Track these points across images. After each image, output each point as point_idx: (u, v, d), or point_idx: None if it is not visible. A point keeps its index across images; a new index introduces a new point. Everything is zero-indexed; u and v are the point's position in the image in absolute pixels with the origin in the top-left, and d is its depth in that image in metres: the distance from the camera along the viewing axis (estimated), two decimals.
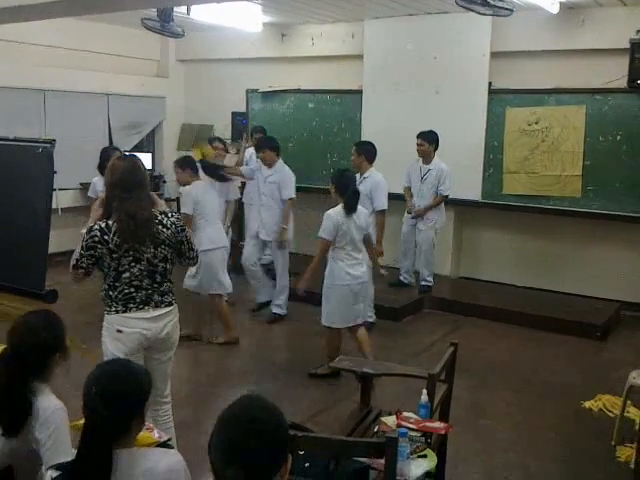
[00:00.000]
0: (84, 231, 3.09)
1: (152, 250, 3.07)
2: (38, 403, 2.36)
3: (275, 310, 6.27)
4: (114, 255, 3.02)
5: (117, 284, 3.06)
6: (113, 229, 3.00)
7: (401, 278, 6.97)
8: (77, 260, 3.03)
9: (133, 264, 3.04)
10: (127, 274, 3.05)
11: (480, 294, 6.97)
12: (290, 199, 6.12)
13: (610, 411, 4.41)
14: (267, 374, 5.06)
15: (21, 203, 4.11)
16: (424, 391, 2.91)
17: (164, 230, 3.10)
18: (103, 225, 3.01)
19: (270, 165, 6.09)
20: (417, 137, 6.61)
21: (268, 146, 6.11)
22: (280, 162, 6.15)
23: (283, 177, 6.11)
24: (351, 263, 4.70)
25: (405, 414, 2.86)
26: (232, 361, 5.40)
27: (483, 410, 4.52)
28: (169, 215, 3.16)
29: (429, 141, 6.54)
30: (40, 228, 4.06)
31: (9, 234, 4.11)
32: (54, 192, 6.51)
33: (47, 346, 2.46)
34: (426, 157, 6.61)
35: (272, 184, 6.10)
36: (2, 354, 2.45)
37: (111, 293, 3.08)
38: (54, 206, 6.90)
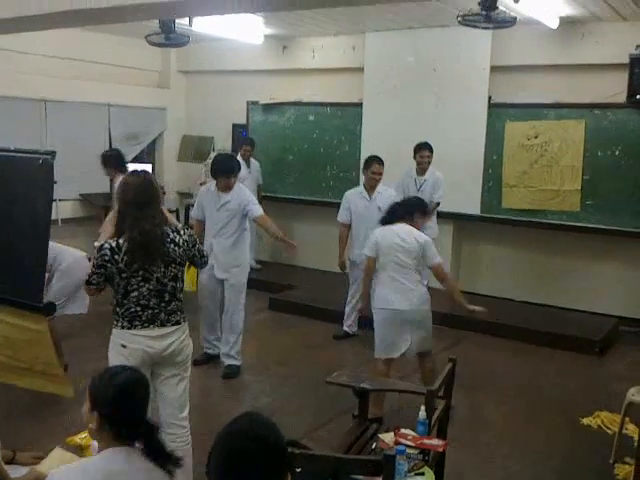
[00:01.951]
0: (97, 244, 3.09)
1: (162, 269, 3.07)
2: None
3: (230, 362, 5.29)
4: (123, 275, 3.02)
5: (125, 301, 3.06)
6: (124, 248, 2.99)
7: None
8: (89, 276, 3.05)
9: (142, 283, 3.04)
10: (135, 293, 3.05)
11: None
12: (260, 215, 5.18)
13: (609, 428, 4.39)
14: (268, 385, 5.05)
15: (21, 214, 4.09)
16: (422, 407, 2.90)
17: (176, 249, 3.10)
18: (114, 244, 3.00)
19: (225, 190, 5.11)
20: (421, 149, 6.44)
21: (222, 171, 5.12)
22: (238, 185, 5.19)
23: (245, 198, 5.15)
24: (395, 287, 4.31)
25: (403, 431, 2.85)
26: None
27: (481, 426, 4.50)
28: (181, 232, 3.16)
29: (432, 152, 6.45)
30: (40, 240, 4.04)
31: (8, 245, 4.09)
32: (54, 203, 6.56)
33: None
34: (426, 169, 6.59)
35: (230, 211, 5.11)
36: None
37: (118, 309, 3.09)
38: (54, 217, 6.93)
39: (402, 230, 4.32)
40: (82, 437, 2.79)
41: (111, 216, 3.22)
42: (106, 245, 3.01)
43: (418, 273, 4.35)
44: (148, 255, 3.01)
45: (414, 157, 6.48)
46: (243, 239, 5.24)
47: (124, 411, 2.04)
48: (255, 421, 1.66)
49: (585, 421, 4.53)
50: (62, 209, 7.75)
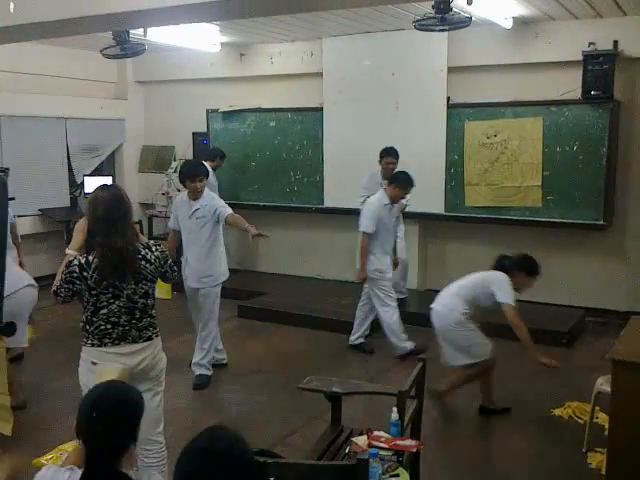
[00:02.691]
0: (69, 252, 3.03)
1: (132, 286, 3.00)
2: None
3: (200, 371, 5.23)
4: (92, 292, 2.96)
5: (94, 319, 3.00)
6: (93, 265, 2.92)
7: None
8: (57, 287, 2.97)
9: (112, 300, 2.98)
10: (105, 310, 2.98)
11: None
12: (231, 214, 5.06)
13: (580, 418, 4.45)
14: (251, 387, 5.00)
15: None
16: (394, 409, 2.89)
17: (147, 266, 3.03)
18: (83, 261, 2.93)
19: (196, 197, 5.04)
20: (386, 155, 6.35)
21: (187, 175, 5.04)
22: (206, 191, 5.12)
23: (215, 203, 5.07)
24: None
25: (376, 433, 2.84)
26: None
27: (453, 422, 4.53)
28: (153, 249, 3.08)
29: (397, 158, 6.39)
30: None
31: None
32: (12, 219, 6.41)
33: None
34: (390, 175, 6.56)
35: (201, 218, 5.02)
36: None
37: (88, 327, 3.02)
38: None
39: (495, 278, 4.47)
40: (49, 458, 2.72)
41: (81, 223, 3.10)
42: (75, 261, 2.94)
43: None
44: (119, 272, 2.94)
45: (380, 161, 6.43)
46: (216, 248, 5.15)
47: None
48: (216, 437, 1.62)
49: (556, 412, 4.59)
50: (21, 225, 7.55)
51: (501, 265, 4.55)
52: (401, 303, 6.24)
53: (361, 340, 5.99)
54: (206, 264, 5.11)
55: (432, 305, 4.67)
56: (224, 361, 5.56)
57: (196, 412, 4.74)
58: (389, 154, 6.36)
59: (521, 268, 4.51)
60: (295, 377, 4.64)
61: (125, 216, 3.01)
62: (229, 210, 5.05)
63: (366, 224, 5.66)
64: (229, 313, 6.80)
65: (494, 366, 4.58)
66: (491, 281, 4.44)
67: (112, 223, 2.94)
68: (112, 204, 2.98)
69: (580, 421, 4.39)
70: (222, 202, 5.16)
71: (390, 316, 5.72)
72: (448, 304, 4.55)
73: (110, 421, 1.93)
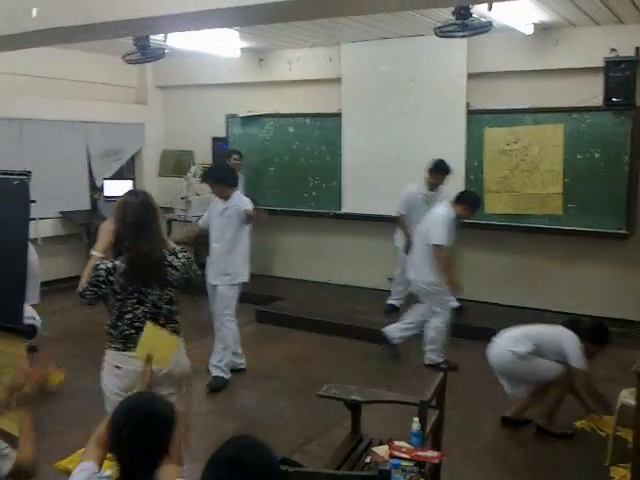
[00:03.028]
0: (95, 253, 3.03)
1: (158, 292, 3.03)
2: None
3: (217, 373, 5.27)
4: (118, 296, 2.97)
5: (119, 323, 3.01)
6: (120, 270, 2.94)
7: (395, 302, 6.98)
8: (83, 289, 2.97)
9: (137, 306, 2.99)
10: (130, 315, 3.00)
11: (466, 314, 6.95)
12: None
13: (602, 430, 4.39)
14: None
15: None
16: (415, 419, 2.87)
17: (173, 272, 3.05)
18: (110, 265, 2.95)
19: (226, 198, 5.25)
20: (437, 171, 6.38)
21: (215, 180, 5.29)
22: (237, 194, 5.37)
23: (243, 204, 5.26)
24: None
25: (397, 443, 2.82)
26: None
27: (475, 433, 4.49)
28: (179, 255, 3.09)
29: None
30: (18, 261, 3.96)
31: None
32: (33, 222, 6.47)
33: None
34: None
35: (229, 217, 5.23)
36: None
37: (112, 331, 3.04)
38: (34, 236, 6.85)
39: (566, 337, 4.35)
40: (70, 461, 2.73)
41: (107, 224, 3.09)
42: (102, 265, 2.95)
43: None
44: (145, 278, 2.96)
45: (433, 176, 6.41)
46: (238, 249, 5.27)
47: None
48: (243, 447, 1.62)
49: (578, 424, 4.53)
50: (42, 228, 7.64)
51: (572, 328, 4.39)
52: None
53: (398, 342, 5.88)
54: (227, 261, 5.22)
55: (492, 345, 4.64)
56: (242, 366, 5.56)
57: (214, 417, 4.74)
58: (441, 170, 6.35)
59: (590, 338, 4.36)
60: (313, 383, 4.65)
61: (153, 222, 3.03)
62: (250, 207, 5.24)
63: (442, 236, 5.44)
64: (247, 318, 6.80)
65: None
66: (562, 339, 4.31)
67: (140, 228, 2.96)
68: (141, 210, 3.01)
69: (603, 434, 4.33)
70: (248, 203, 5.30)
71: (440, 330, 5.67)
72: (511, 344, 4.47)
73: (139, 433, 1.92)
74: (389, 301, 7.06)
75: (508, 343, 4.48)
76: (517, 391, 4.51)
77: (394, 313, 6.74)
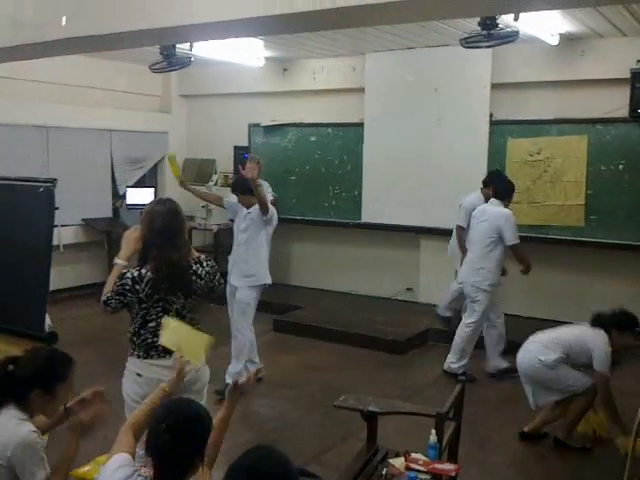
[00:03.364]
0: (119, 261, 3.03)
1: (182, 301, 3.02)
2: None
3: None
4: (143, 305, 2.97)
5: (142, 331, 3.01)
6: (146, 279, 2.93)
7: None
8: (108, 298, 2.97)
9: (161, 314, 2.98)
10: (153, 323, 2.99)
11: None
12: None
13: (601, 434, 4.34)
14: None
15: (21, 243, 4.08)
16: (433, 431, 2.84)
17: (198, 281, 3.04)
18: (136, 274, 2.94)
19: (249, 206, 5.27)
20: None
21: (240, 191, 5.30)
22: None
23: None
24: None
25: (413, 455, 2.79)
26: None
27: (493, 446, 4.43)
28: (204, 264, 3.08)
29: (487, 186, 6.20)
30: (41, 267, 4.02)
31: (9, 274, 4.07)
32: (56, 229, 6.55)
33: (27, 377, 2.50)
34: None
35: (252, 220, 5.27)
36: None
37: (135, 339, 3.04)
38: (56, 242, 6.93)
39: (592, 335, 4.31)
40: (86, 470, 2.74)
41: (132, 232, 3.07)
42: (128, 274, 2.94)
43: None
44: (171, 286, 2.96)
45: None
46: (256, 250, 5.28)
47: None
48: (263, 457, 1.65)
49: (579, 429, 4.43)
50: (64, 235, 7.73)
51: (600, 324, 4.34)
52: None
53: (503, 367, 5.74)
54: (248, 263, 5.25)
55: (522, 350, 4.58)
56: (260, 374, 5.54)
57: (230, 425, 4.71)
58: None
59: (619, 327, 4.31)
60: (329, 393, 4.63)
61: (180, 230, 3.03)
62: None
63: (516, 235, 5.61)
64: (265, 327, 6.80)
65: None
66: (591, 341, 4.26)
67: (168, 237, 2.95)
68: (168, 218, 2.99)
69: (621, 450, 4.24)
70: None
71: (469, 337, 5.66)
72: (540, 352, 4.40)
73: (178, 435, 1.94)
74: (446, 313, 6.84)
75: (537, 351, 4.41)
76: (540, 400, 4.43)
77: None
